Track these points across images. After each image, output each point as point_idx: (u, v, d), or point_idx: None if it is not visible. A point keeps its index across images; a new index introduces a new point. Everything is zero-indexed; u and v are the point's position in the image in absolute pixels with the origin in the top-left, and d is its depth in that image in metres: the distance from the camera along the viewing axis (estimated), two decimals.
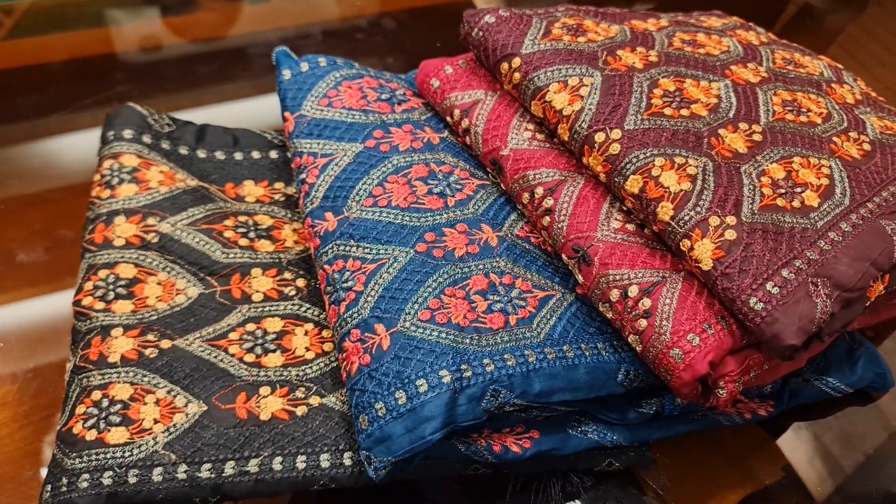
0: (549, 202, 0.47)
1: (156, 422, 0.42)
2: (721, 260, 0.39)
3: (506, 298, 0.44)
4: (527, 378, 0.41)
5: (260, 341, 0.47)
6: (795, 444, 0.50)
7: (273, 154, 0.60)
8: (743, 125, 0.47)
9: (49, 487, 0.40)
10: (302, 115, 0.53)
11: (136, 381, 0.43)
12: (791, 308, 0.38)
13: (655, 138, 0.44)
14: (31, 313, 0.54)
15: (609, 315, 0.43)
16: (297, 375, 0.45)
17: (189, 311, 0.48)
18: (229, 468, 0.41)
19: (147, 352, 0.45)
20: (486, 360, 0.41)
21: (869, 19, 1.01)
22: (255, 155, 0.59)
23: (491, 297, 0.44)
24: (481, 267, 0.45)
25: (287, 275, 0.51)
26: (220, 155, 0.58)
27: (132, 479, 0.39)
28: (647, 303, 0.40)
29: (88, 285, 0.48)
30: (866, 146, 0.48)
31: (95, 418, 0.41)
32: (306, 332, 0.48)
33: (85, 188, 0.54)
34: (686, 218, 0.41)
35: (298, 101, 0.54)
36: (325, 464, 0.41)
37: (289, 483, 0.41)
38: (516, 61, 0.50)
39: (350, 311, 0.43)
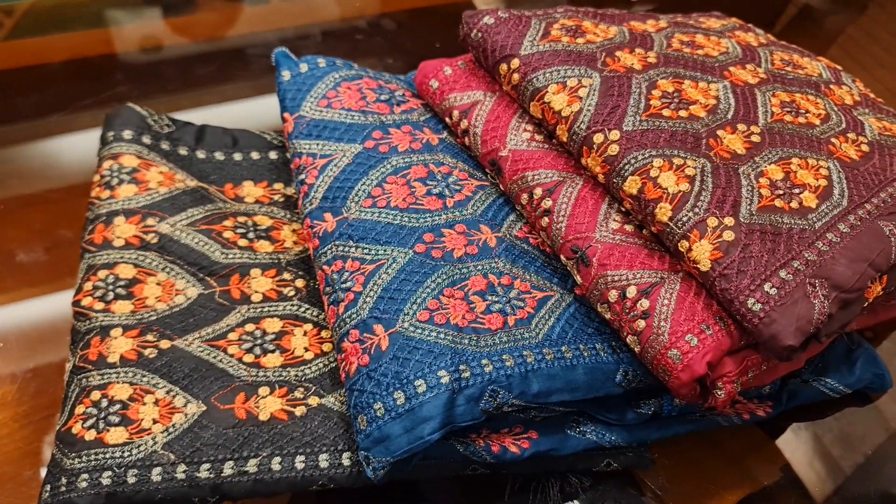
0: (547, 203, 0.47)
1: (155, 422, 0.42)
2: (719, 261, 0.39)
3: (504, 299, 0.44)
4: (525, 378, 0.41)
5: (259, 342, 0.47)
6: (794, 445, 0.50)
7: (272, 155, 0.60)
8: (741, 126, 0.47)
9: (48, 487, 0.40)
10: (301, 115, 0.53)
11: (136, 381, 0.44)
12: (789, 309, 0.38)
13: (654, 139, 0.44)
14: (31, 313, 0.54)
15: (607, 316, 0.43)
16: (296, 376, 0.45)
17: (188, 312, 0.48)
18: (228, 468, 0.41)
19: (146, 352, 0.45)
20: (484, 361, 0.41)
21: (868, 21, 1.01)
22: (255, 155, 0.59)
23: (489, 298, 0.44)
24: (480, 268, 0.45)
25: (286, 275, 0.51)
26: (219, 155, 0.59)
27: (131, 479, 0.40)
28: (645, 303, 0.41)
29: (88, 285, 0.48)
30: (865, 147, 0.48)
31: (95, 418, 0.42)
32: (305, 333, 0.48)
33: (85, 188, 0.54)
34: (684, 219, 0.41)
35: (298, 101, 0.54)
36: (323, 464, 0.41)
37: (287, 483, 0.41)
38: (515, 62, 0.50)
39: (349, 312, 0.43)
